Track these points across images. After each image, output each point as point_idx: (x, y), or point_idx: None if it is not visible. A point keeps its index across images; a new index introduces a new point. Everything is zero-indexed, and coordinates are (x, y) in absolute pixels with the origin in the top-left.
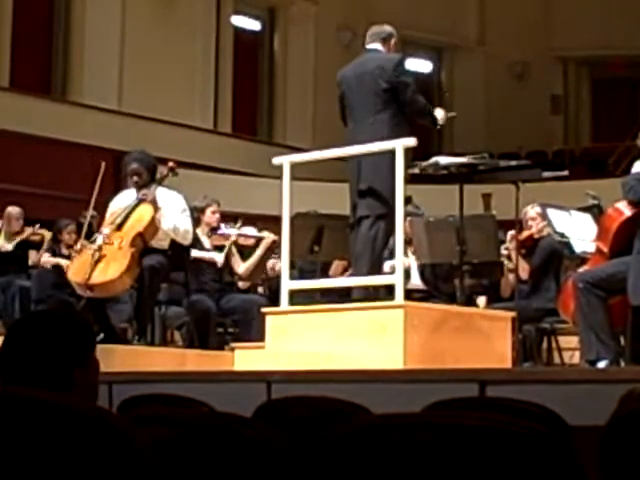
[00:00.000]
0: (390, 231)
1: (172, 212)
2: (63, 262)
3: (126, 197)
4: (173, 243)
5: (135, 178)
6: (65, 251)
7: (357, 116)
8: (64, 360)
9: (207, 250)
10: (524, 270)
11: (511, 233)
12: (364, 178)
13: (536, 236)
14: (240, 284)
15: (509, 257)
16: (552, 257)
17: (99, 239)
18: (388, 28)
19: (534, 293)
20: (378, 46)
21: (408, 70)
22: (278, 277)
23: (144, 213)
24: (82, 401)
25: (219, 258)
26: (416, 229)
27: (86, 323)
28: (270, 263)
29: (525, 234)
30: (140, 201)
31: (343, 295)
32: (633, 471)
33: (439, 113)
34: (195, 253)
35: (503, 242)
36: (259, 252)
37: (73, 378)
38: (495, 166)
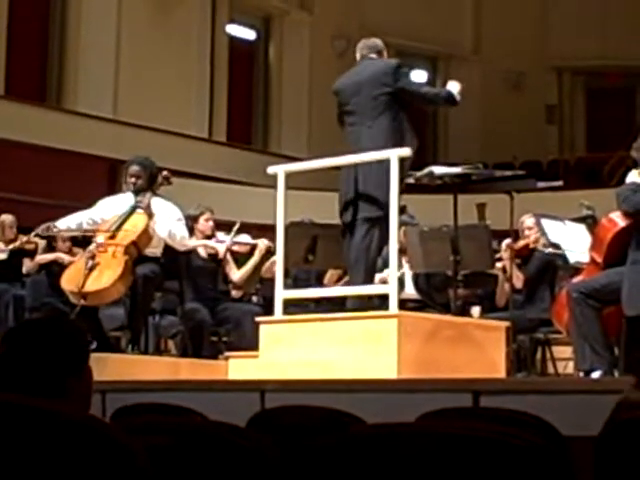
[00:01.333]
0: (383, 239)
1: (167, 219)
2: (63, 256)
3: (120, 203)
4: (167, 251)
5: (133, 180)
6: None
7: (356, 120)
8: (58, 369)
9: (203, 259)
10: (518, 279)
11: (506, 242)
12: (364, 181)
13: (532, 246)
14: (234, 293)
15: (504, 270)
16: (547, 267)
17: (92, 247)
18: (380, 41)
19: (529, 303)
20: (373, 56)
21: (406, 72)
22: (273, 281)
23: (138, 221)
24: (75, 409)
25: (221, 248)
26: (410, 238)
27: (81, 332)
28: (268, 263)
29: (521, 243)
30: (134, 209)
31: (337, 304)
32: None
33: (454, 87)
34: (196, 242)
35: (497, 252)
36: (254, 260)
37: (66, 387)
38: (489, 176)
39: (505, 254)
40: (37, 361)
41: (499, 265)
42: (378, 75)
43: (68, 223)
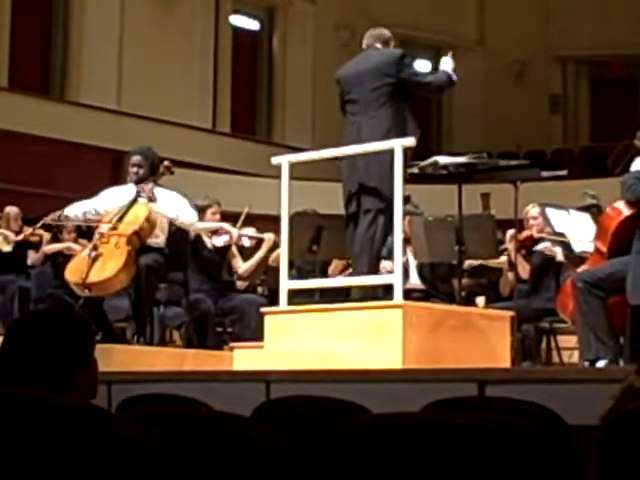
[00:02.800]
0: (388, 229)
1: (173, 202)
2: (73, 245)
3: (123, 194)
4: (171, 242)
5: (135, 169)
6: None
7: (358, 111)
8: (63, 361)
9: (209, 250)
10: (524, 270)
11: (510, 233)
12: (366, 172)
13: (536, 236)
14: (239, 284)
15: (510, 263)
16: (552, 257)
17: (95, 239)
18: (387, 32)
19: (534, 293)
20: (378, 46)
21: (410, 62)
22: (278, 271)
23: (140, 212)
24: (79, 400)
25: (234, 232)
26: (415, 228)
27: (86, 324)
28: (274, 254)
29: (525, 234)
30: (136, 199)
31: (342, 294)
32: (632, 470)
33: (447, 64)
34: (207, 225)
35: (502, 242)
36: (260, 253)
37: (72, 379)
38: (494, 166)
39: (510, 245)
40: (42, 353)
41: (504, 259)
42: (381, 66)
43: (75, 211)
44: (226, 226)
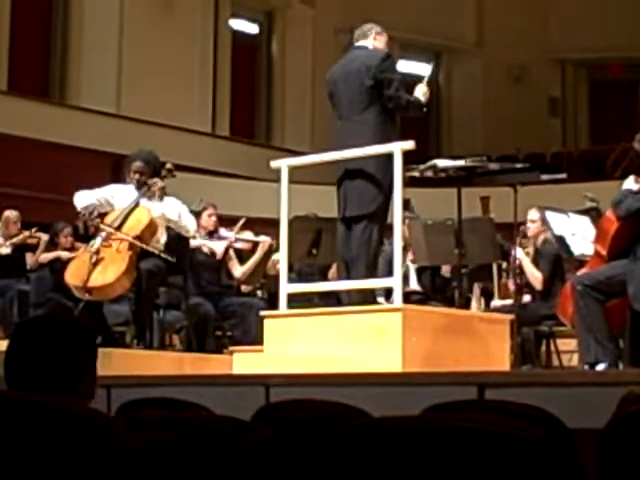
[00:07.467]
0: (383, 231)
1: (173, 205)
2: (63, 254)
3: (125, 195)
4: (170, 247)
5: (137, 176)
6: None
7: (343, 114)
8: (69, 365)
9: (205, 254)
10: (537, 280)
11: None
12: (350, 177)
13: (530, 236)
14: (242, 287)
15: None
16: (557, 261)
17: (97, 242)
18: (371, 26)
19: (545, 300)
20: (364, 43)
21: (393, 67)
22: (278, 277)
23: (142, 216)
24: (80, 404)
25: (219, 249)
26: (414, 232)
27: (90, 328)
28: (272, 261)
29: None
30: (138, 203)
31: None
32: (633, 473)
33: (420, 90)
34: (195, 242)
35: (502, 245)
36: (256, 256)
37: (76, 383)
38: (493, 169)
39: (521, 252)
40: (48, 357)
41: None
42: (364, 68)
43: (86, 202)
44: (209, 244)
